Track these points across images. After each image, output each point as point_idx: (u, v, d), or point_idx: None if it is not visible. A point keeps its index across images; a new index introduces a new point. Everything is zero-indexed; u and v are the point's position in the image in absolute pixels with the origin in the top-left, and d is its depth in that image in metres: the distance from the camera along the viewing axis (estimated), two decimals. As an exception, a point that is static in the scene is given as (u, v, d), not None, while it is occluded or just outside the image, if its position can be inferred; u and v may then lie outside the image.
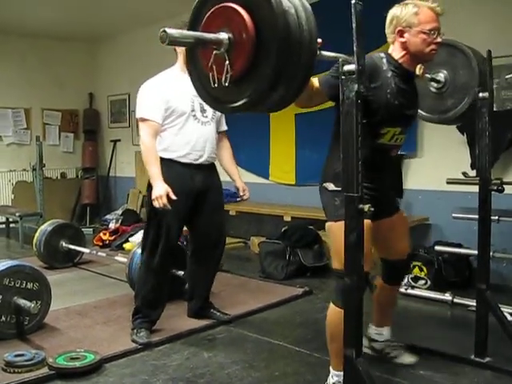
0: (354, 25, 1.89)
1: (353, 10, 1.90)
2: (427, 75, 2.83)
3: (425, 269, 4.58)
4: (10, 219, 7.65)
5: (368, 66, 2.17)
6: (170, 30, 1.61)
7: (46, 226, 5.54)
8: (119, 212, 7.91)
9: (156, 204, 3.13)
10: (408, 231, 2.92)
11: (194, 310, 3.77)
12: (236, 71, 1.70)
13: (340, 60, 1.95)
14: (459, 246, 4.56)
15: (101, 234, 6.83)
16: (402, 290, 4.41)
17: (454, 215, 4.31)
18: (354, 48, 1.91)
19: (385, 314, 3.02)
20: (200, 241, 3.61)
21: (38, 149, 7.55)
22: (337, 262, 2.37)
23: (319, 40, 1.83)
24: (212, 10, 1.74)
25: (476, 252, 3.14)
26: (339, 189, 2.09)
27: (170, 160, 3.33)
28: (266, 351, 3.32)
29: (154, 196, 3.13)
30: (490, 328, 2.99)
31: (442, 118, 3.06)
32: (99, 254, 5.49)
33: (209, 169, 3.51)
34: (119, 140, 8.88)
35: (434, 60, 2.61)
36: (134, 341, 3.34)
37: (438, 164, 5.04)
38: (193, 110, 3.36)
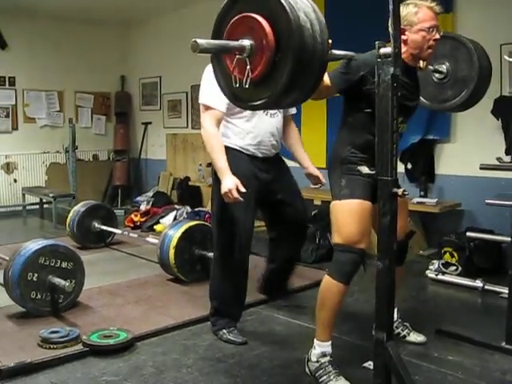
0: (390, 7, 1.88)
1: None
2: (430, 66, 2.94)
3: (456, 255, 4.55)
4: (44, 200, 7.82)
5: (372, 61, 2.19)
6: (200, 41, 1.78)
7: (79, 207, 5.63)
8: (150, 194, 7.98)
9: (226, 199, 2.93)
10: (407, 212, 3.04)
11: (270, 289, 3.83)
12: (256, 75, 1.86)
13: (377, 43, 1.95)
14: (491, 232, 4.50)
15: (132, 216, 6.91)
16: (433, 275, 4.40)
17: (487, 201, 4.25)
18: (391, 31, 1.91)
19: None
20: (284, 228, 3.47)
21: (71, 131, 7.66)
22: (337, 237, 2.61)
23: (329, 41, 1.91)
24: (236, 18, 1.88)
25: (508, 239, 3.11)
26: (373, 172, 2.09)
27: (235, 149, 3.17)
28: (295, 333, 3.35)
29: (223, 191, 2.91)
30: (521, 315, 2.97)
31: (440, 106, 3.19)
32: (131, 234, 5.58)
33: (274, 157, 3.36)
34: (150, 123, 8.94)
35: (439, 52, 2.73)
36: (228, 340, 3.18)
37: (471, 149, 4.97)
38: None
